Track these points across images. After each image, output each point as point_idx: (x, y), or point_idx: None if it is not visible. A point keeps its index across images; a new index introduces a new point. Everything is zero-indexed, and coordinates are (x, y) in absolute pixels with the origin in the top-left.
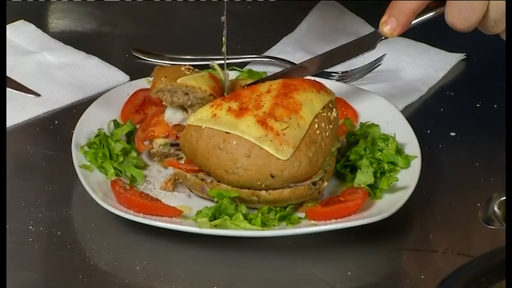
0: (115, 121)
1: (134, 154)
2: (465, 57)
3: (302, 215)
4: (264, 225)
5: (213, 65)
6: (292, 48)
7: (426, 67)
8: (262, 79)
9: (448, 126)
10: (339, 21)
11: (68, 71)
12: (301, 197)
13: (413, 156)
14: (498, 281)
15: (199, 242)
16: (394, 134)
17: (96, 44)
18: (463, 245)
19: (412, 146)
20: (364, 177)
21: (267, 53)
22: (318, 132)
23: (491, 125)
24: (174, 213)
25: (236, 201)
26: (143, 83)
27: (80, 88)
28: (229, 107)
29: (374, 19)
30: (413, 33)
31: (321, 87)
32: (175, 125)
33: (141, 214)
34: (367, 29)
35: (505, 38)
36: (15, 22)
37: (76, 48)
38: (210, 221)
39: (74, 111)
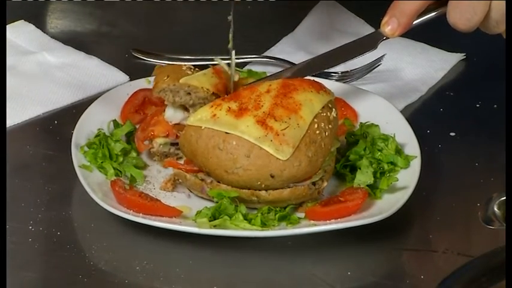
0: (115, 121)
1: (134, 154)
2: (465, 57)
3: (302, 215)
4: (264, 225)
5: (219, 63)
6: (292, 48)
7: (426, 67)
8: (262, 79)
9: (448, 126)
10: (339, 21)
11: (67, 71)
12: (300, 197)
13: (413, 156)
14: (498, 281)
15: (199, 242)
16: (394, 134)
17: (96, 44)
18: (463, 245)
19: (411, 146)
20: (363, 177)
21: (266, 53)
22: (317, 132)
23: (491, 125)
24: (174, 213)
25: (236, 201)
26: (143, 83)
27: (80, 88)
28: (229, 107)
29: (374, 19)
30: (413, 33)
31: (321, 87)
32: (176, 124)
33: (140, 214)
34: (367, 29)
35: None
36: (15, 22)
37: (76, 48)
38: (210, 221)
39: (74, 111)
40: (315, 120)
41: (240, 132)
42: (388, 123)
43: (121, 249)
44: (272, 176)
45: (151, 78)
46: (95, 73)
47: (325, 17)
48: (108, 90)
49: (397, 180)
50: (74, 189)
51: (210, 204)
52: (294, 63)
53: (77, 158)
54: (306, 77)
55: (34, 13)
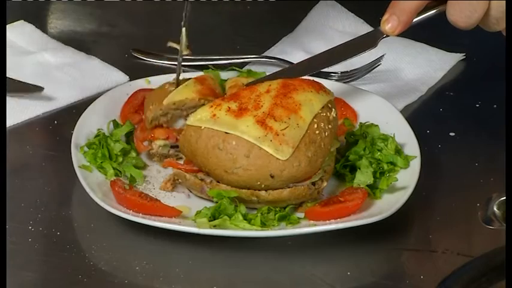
0: (114, 121)
1: (133, 154)
2: (465, 57)
3: (301, 215)
4: (264, 225)
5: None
6: (291, 48)
7: (425, 67)
8: (261, 78)
9: (448, 126)
10: (338, 21)
11: (67, 71)
12: (300, 197)
13: (413, 156)
14: (498, 281)
15: (199, 242)
16: (394, 134)
17: (96, 44)
18: (463, 245)
19: (411, 146)
20: (363, 177)
21: (266, 53)
22: (317, 132)
23: (491, 125)
24: (174, 213)
25: (235, 201)
26: (142, 83)
27: (80, 88)
28: (229, 107)
29: (374, 19)
30: (413, 33)
31: (320, 87)
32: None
33: (140, 214)
34: (367, 29)
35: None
36: (15, 22)
37: (76, 48)
38: (210, 221)
39: (74, 111)
40: (315, 120)
41: (239, 132)
42: (388, 123)
43: (121, 249)
44: (272, 176)
45: (151, 78)
46: (94, 73)
47: (325, 17)
48: (107, 90)
49: (397, 180)
50: (73, 189)
51: (209, 204)
52: (294, 63)
53: (77, 158)
54: (305, 77)
55: (34, 13)
